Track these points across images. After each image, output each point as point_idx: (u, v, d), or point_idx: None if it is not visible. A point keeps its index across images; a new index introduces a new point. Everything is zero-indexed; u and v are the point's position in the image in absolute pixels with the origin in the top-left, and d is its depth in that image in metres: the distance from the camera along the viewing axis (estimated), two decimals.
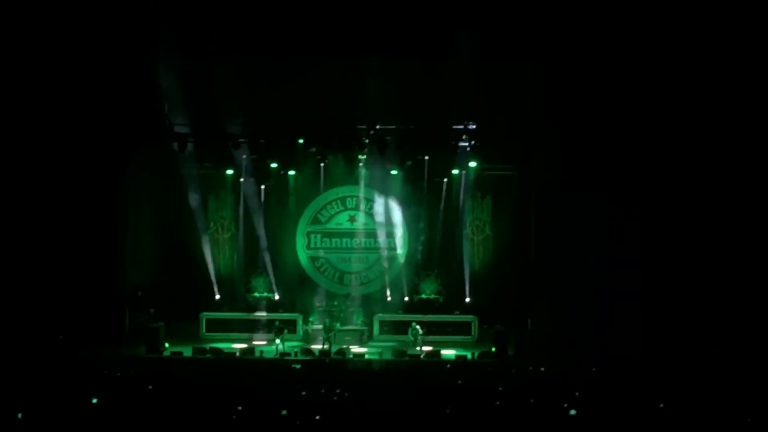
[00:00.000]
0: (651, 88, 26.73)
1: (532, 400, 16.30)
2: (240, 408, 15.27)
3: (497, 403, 16.35)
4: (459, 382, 20.02)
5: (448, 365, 25.12)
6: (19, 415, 13.97)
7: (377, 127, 29.18)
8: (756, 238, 26.87)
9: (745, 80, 26.18)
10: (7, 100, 26.82)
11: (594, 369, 21.86)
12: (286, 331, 28.39)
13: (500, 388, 18.49)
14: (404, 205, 31.80)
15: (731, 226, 26.99)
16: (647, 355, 24.95)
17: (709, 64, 26.15)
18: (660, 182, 27.25)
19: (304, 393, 17.10)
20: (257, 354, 26.76)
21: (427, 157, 30.85)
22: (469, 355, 26.62)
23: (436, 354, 26.82)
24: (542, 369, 22.70)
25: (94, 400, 15.60)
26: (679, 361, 23.40)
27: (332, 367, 24.83)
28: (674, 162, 27.04)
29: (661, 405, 15.59)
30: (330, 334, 27.95)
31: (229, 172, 31.49)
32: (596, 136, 27.27)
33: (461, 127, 29.50)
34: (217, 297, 31.36)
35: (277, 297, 31.54)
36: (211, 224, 32.16)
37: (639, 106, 26.93)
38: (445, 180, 31.45)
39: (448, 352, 27.22)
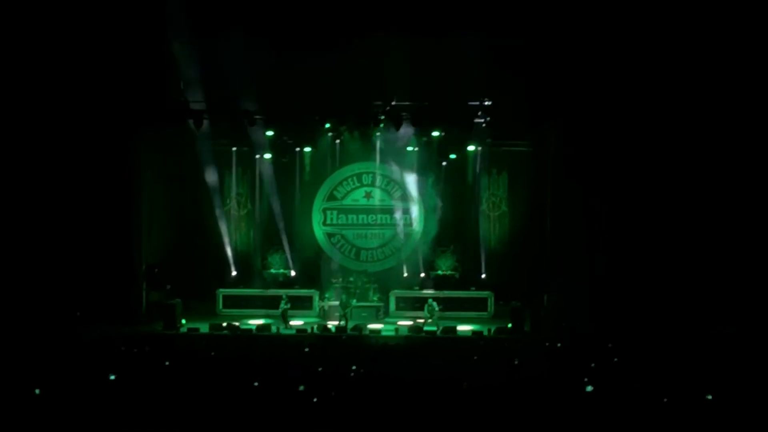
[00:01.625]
0: (665, 68, 26.53)
1: (548, 376, 16.29)
2: (256, 384, 15.32)
3: (513, 378, 16.37)
4: (475, 357, 20.03)
5: (466, 341, 25.08)
6: (37, 391, 14.05)
7: (393, 103, 29.09)
8: None
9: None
10: (22, 78, 26.84)
11: (610, 345, 21.83)
12: (288, 306, 28.34)
13: (516, 362, 18.51)
14: (420, 181, 31.79)
15: (748, 208, 26.83)
16: (661, 332, 24.88)
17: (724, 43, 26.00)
18: (674, 163, 27.05)
19: (320, 369, 17.14)
20: (273, 330, 26.81)
21: (443, 134, 30.71)
22: (486, 331, 26.59)
23: (452, 330, 26.81)
24: (558, 345, 22.69)
25: (112, 377, 15.68)
26: (693, 340, 23.32)
27: (348, 344, 24.87)
28: (690, 142, 26.82)
29: (677, 387, 15.45)
30: (346, 311, 27.96)
31: (245, 148, 31.50)
32: (610, 114, 27.07)
33: (477, 103, 29.39)
34: (233, 273, 31.42)
35: (293, 273, 31.59)
36: (228, 201, 32.22)
37: (653, 88, 26.72)
38: (462, 156, 31.32)
39: (464, 328, 27.21)
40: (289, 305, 28.19)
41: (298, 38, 27.65)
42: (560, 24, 26.52)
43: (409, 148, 31.35)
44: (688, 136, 26.77)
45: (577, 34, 26.56)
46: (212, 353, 20.38)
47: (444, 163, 31.40)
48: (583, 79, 26.91)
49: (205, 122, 28.94)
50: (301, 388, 14.86)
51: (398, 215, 32.00)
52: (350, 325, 27.39)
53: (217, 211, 31.63)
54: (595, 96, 26.95)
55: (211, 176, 31.10)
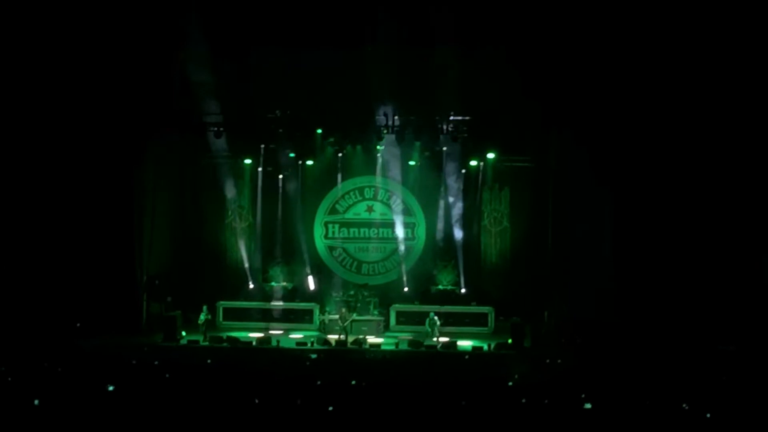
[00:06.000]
0: (668, 80, 26.53)
1: (547, 392, 16.26)
2: (255, 397, 15.30)
3: (512, 394, 16.34)
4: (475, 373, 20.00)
5: (466, 356, 25.06)
6: (36, 402, 14.04)
7: (395, 117, 29.15)
8: None
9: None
10: (26, 88, 26.90)
11: (608, 364, 21.78)
12: (209, 317, 28.23)
13: (516, 377, 18.47)
14: (422, 195, 31.82)
15: (748, 219, 26.81)
16: (661, 349, 24.83)
17: (717, 53, 25.99)
18: (676, 177, 27.03)
19: (319, 382, 17.13)
20: (273, 343, 26.78)
21: (445, 148, 30.73)
22: (486, 347, 26.55)
23: (452, 345, 26.78)
24: (559, 361, 22.65)
25: (111, 388, 15.67)
26: (693, 357, 23.25)
27: (348, 357, 24.83)
28: (691, 152, 26.82)
29: (684, 405, 15.41)
30: (346, 324, 27.90)
31: (248, 161, 31.57)
32: (611, 128, 27.09)
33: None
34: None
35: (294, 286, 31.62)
36: (229, 213, 32.23)
37: (655, 99, 26.73)
38: (463, 171, 31.33)
39: (464, 344, 27.16)
40: (209, 316, 28.11)
41: (303, 49, 27.67)
42: (562, 37, 26.56)
43: (411, 162, 31.40)
44: (689, 149, 26.75)
45: (580, 48, 26.60)
46: (208, 360, 20.41)
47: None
48: (585, 94, 26.94)
49: (208, 134, 29.12)
50: (299, 401, 14.84)
51: (399, 230, 31.98)
52: (350, 338, 27.35)
53: (219, 224, 31.70)
54: (596, 110, 26.99)
55: (213, 189, 31.16)
